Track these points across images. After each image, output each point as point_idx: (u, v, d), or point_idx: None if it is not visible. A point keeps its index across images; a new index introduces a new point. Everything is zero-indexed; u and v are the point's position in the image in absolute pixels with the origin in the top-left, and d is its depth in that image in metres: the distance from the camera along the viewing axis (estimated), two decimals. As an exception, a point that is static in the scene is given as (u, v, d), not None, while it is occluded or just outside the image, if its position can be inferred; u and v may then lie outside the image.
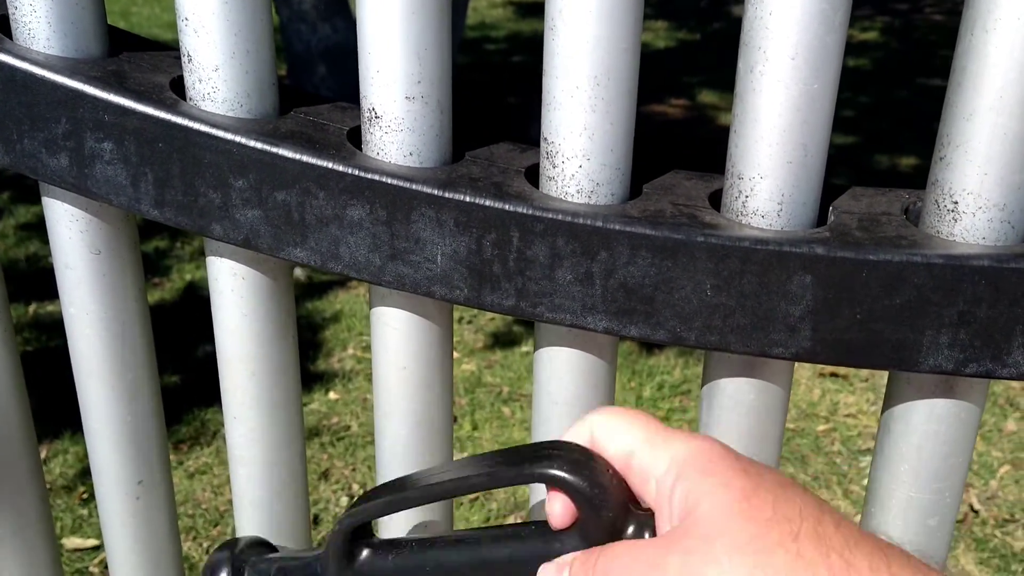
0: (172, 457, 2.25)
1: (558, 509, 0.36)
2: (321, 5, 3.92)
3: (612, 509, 0.36)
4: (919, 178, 3.72)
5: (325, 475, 2.23)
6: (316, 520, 2.09)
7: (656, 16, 6.49)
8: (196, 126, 0.46)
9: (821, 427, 2.35)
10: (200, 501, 2.15)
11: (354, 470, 2.25)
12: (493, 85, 5.04)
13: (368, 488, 1.98)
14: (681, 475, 0.32)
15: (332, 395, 2.51)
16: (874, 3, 6.67)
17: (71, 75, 0.48)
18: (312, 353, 2.70)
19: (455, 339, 2.75)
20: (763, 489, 0.30)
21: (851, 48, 5.56)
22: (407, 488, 0.41)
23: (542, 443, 0.38)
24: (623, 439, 0.35)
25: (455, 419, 2.42)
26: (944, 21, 6.09)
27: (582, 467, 0.36)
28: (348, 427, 2.39)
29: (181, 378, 2.51)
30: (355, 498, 2.16)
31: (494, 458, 0.39)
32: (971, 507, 2.06)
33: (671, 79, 5.01)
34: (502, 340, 2.75)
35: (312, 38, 3.96)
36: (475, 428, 2.37)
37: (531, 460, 0.37)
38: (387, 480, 0.50)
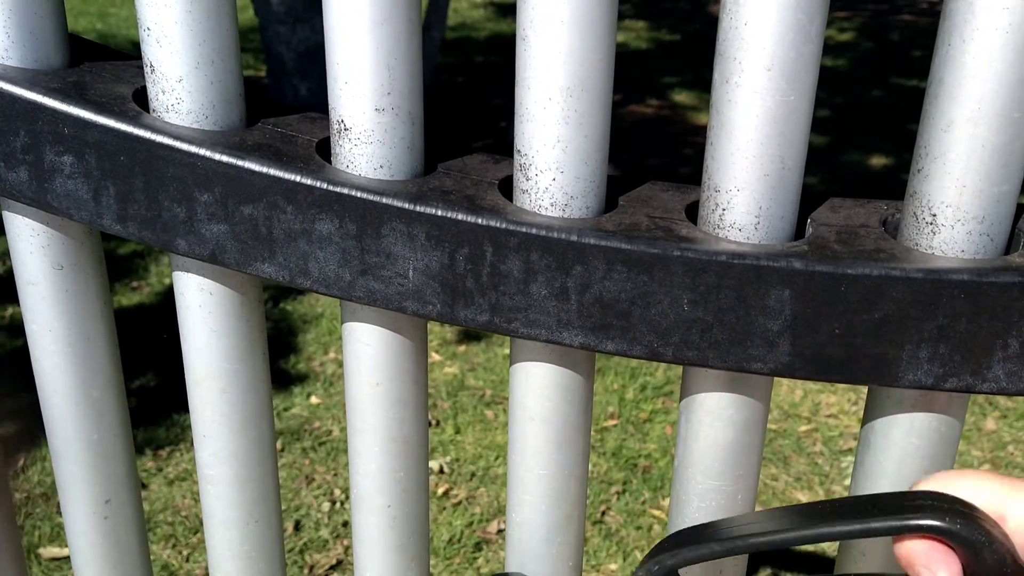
0: (151, 463, 2.23)
1: (942, 569, 0.31)
2: (300, 6, 3.89)
3: (1011, 569, 0.32)
4: (892, 177, 3.75)
5: (307, 480, 2.21)
6: (297, 526, 2.07)
7: (635, 16, 6.50)
8: (159, 139, 0.45)
9: (803, 428, 2.35)
10: (180, 508, 2.13)
11: (336, 475, 2.23)
12: (474, 86, 5.03)
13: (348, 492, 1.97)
14: None
15: (314, 399, 2.50)
16: (851, 4, 6.72)
17: (30, 87, 0.46)
18: (293, 357, 2.69)
19: (437, 342, 2.74)
20: None
21: (829, 49, 5.59)
22: (752, 531, 0.37)
23: (911, 493, 0.33)
24: (987, 498, 0.31)
25: (437, 422, 2.41)
26: (916, 21, 6.14)
27: (974, 521, 0.31)
28: (330, 432, 2.37)
29: (160, 384, 2.48)
30: (337, 503, 2.14)
31: (854, 506, 0.34)
32: (952, 506, 2.07)
33: (650, 80, 5.02)
34: (485, 342, 2.74)
35: (292, 39, 3.94)
36: (458, 432, 2.36)
37: (909, 510, 0.32)
38: (358, 508, 0.48)
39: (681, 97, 4.83)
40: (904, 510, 0.33)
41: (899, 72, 5.17)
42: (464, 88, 5.00)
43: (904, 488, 0.46)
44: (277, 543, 0.58)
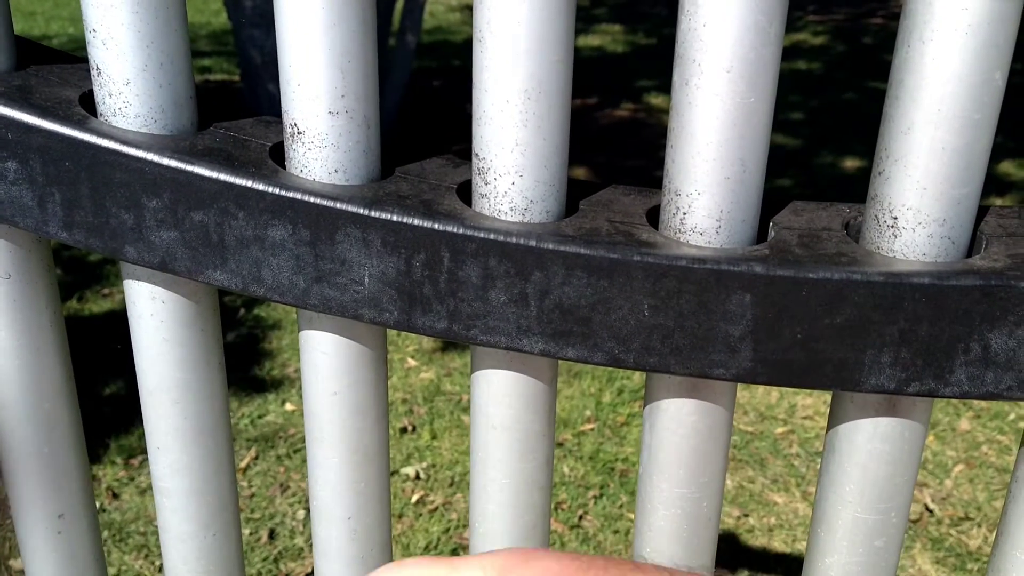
0: (123, 472, 2.20)
1: None
2: (274, 10, 3.86)
3: None
4: (866, 180, 3.78)
5: (282, 488, 2.19)
6: (272, 535, 2.05)
7: (611, 20, 6.52)
8: (105, 143, 0.43)
9: (779, 430, 2.36)
10: (152, 518, 2.10)
11: (311, 483, 2.21)
12: (451, 90, 5.02)
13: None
14: (505, 570, 0.29)
15: (288, 406, 2.47)
16: (825, 7, 6.78)
17: (-28, 90, 0.45)
18: (267, 363, 2.66)
19: (413, 347, 2.73)
20: (594, 559, 0.29)
21: (803, 52, 5.63)
22: None
23: None
24: None
25: (413, 428, 2.39)
26: (889, 24, 6.19)
27: None
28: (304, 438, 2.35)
29: (131, 391, 2.45)
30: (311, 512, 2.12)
31: None
32: (926, 507, 2.08)
33: (626, 83, 5.03)
34: (461, 347, 2.73)
35: (266, 43, 3.91)
36: (434, 437, 2.35)
37: None
38: (318, 520, 0.47)
39: (657, 100, 4.85)
40: None
41: (873, 75, 5.22)
42: (440, 92, 4.99)
43: (867, 493, 0.46)
44: (236, 557, 0.57)
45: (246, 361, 2.64)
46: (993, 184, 3.68)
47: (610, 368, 2.58)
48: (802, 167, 3.93)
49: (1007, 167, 3.92)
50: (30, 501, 0.56)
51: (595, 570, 0.28)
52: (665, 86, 5.03)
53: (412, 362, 2.66)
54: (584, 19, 6.41)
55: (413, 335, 2.77)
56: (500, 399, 0.47)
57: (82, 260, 3.17)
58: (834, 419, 0.46)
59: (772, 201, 0.45)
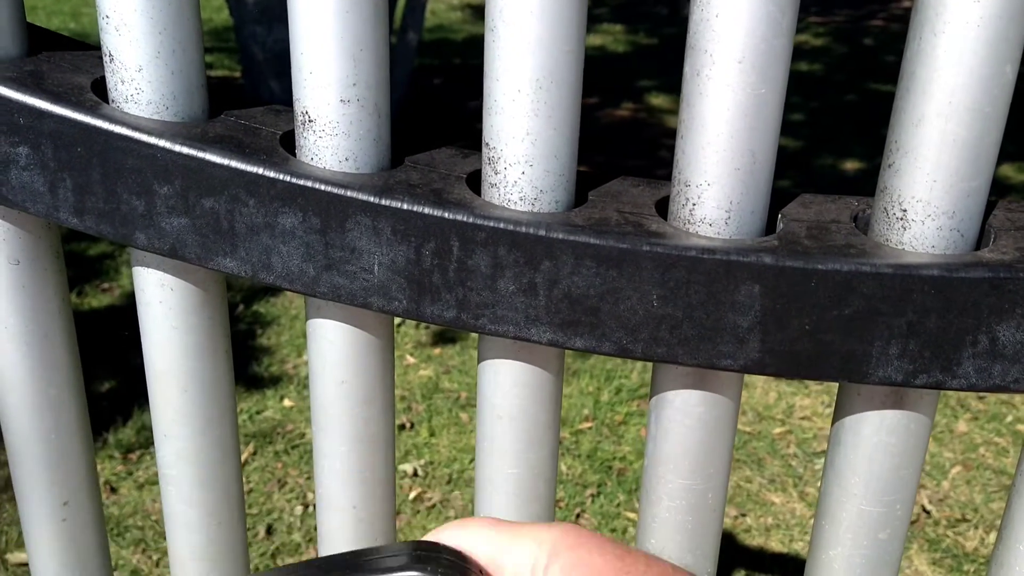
0: (121, 467, 2.20)
1: None
2: (276, 6, 3.87)
3: None
4: (865, 181, 3.79)
5: (279, 484, 2.19)
6: (270, 530, 2.05)
7: (613, 20, 6.52)
8: (117, 129, 0.43)
9: (777, 430, 2.36)
10: (150, 512, 2.10)
11: (309, 478, 2.21)
12: (451, 88, 5.02)
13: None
14: (554, 553, 0.31)
15: (287, 402, 2.47)
16: (826, 9, 6.78)
17: (-17, 75, 0.45)
18: (266, 359, 2.66)
19: (411, 344, 2.73)
20: (633, 553, 0.31)
21: (804, 54, 5.64)
22: None
23: (406, 545, 0.33)
24: (480, 546, 0.33)
25: (412, 425, 2.39)
26: (890, 26, 6.20)
27: (459, 571, 0.32)
28: (303, 435, 2.35)
29: (129, 386, 2.45)
30: (310, 507, 2.12)
31: (358, 559, 0.33)
32: (923, 508, 2.08)
33: (627, 83, 5.03)
34: (459, 344, 2.73)
35: (268, 39, 3.91)
36: (432, 435, 2.35)
37: (394, 564, 0.32)
38: (323, 508, 0.47)
39: (658, 100, 4.85)
40: (388, 565, 0.32)
41: (873, 77, 5.23)
42: (441, 90, 5.00)
43: (873, 486, 0.46)
44: (240, 547, 0.57)
45: (244, 357, 2.64)
46: (993, 188, 3.69)
47: (608, 367, 2.58)
48: (802, 169, 3.94)
49: (1007, 171, 3.93)
50: (35, 488, 0.56)
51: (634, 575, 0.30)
52: (666, 86, 5.03)
53: (411, 359, 2.66)
54: (585, 19, 6.41)
55: (412, 332, 2.76)
56: (507, 389, 0.48)
57: (81, 255, 3.17)
58: (840, 412, 0.46)
59: (780, 194, 0.46)
